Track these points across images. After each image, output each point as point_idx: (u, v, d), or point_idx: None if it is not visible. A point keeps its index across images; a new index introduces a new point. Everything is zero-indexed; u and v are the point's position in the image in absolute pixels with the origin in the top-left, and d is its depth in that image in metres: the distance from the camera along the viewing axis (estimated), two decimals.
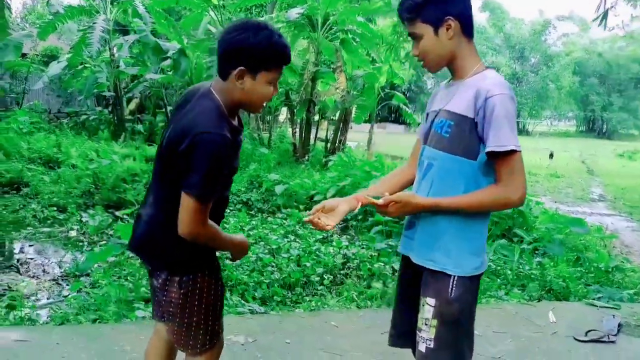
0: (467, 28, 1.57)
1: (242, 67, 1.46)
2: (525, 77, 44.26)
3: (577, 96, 44.64)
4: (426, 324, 1.58)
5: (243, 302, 3.47)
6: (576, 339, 3.06)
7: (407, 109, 13.29)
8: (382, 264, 4.38)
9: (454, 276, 1.56)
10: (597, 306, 3.67)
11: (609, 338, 3.05)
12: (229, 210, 6.29)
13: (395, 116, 36.07)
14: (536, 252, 5.06)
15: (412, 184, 1.76)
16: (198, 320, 1.58)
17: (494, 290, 3.98)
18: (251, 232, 5.16)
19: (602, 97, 43.62)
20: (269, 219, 6.09)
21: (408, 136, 32.33)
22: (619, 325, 3.23)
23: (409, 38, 1.64)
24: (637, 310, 3.70)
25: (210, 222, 1.50)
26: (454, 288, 1.56)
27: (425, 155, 1.67)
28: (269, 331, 2.94)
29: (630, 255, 5.88)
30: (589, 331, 3.14)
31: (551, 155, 18.90)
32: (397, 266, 4.37)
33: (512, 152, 1.47)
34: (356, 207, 1.70)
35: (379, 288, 3.86)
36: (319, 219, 1.63)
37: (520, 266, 4.53)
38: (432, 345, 1.57)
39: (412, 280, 1.71)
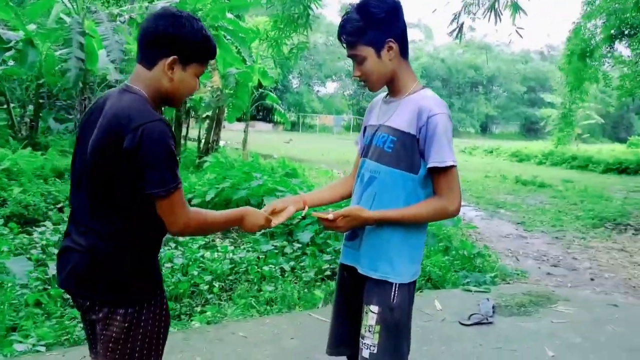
0: (404, 49, 1.66)
1: (175, 56, 1.40)
2: None
3: None
4: (369, 331, 1.64)
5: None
6: (461, 323, 3.41)
7: (280, 109, 13.43)
8: (272, 266, 4.38)
9: (396, 284, 1.64)
10: (472, 291, 4.13)
11: (487, 320, 3.46)
12: None
13: (262, 114, 36.21)
14: None
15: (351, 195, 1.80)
16: (140, 355, 1.43)
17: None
18: None
19: (445, 99, 48.11)
20: None
21: (276, 135, 32.88)
22: (493, 307, 3.67)
23: (350, 59, 1.68)
24: (502, 291, 4.24)
25: (194, 208, 1.43)
26: (395, 295, 1.64)
27: (365, 168, 1.73)
28: (177, 350, 2.76)
29: (483, 241, 6.69)
30: (471, 315, 3.52)
31: None
32: (286, 267, 4.42)
33: (451, 167, 1.59)
34: (303, 209, 1.75)
35: (271, 291, 3.85)
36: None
37: None
38: (375, 350, 1.63)
39: (353, 290, 1.75)
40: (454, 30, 6.81)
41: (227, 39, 10.47)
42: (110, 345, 1.40)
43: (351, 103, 48.96)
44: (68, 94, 12.36)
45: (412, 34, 53.77)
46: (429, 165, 1.59)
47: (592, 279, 5.00)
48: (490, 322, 3.45)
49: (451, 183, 1.61)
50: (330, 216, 1.61)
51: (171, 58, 1.40)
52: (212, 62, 10.76)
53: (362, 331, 1.67)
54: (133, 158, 1.30)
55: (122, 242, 1.39)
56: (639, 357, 3.12)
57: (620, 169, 17.60)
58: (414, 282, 1.72)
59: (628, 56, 12.90)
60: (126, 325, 1.39)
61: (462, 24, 6.69)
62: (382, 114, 1.73)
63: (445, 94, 48.97)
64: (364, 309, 1.68)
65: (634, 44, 10.40)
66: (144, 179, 1.32)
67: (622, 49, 12.69)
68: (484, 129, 54.67)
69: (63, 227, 5.06)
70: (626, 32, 11.69)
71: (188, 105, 11.35)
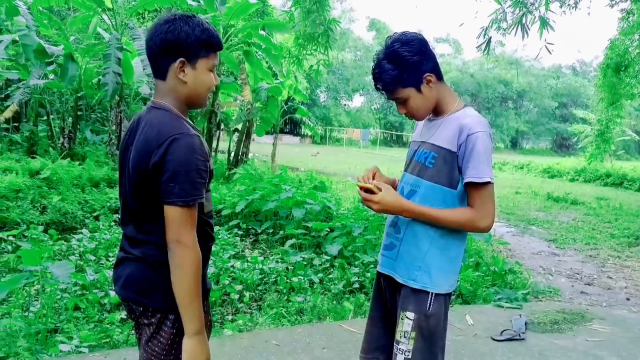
0: (440, 74, 1.74)
1: (181, 59, 1.43)
2: None
3: None
4: (405, 337, 1.68)
5: None
6: (493, 339, 3.38)
7: (309, 123, 13.56)
8: (300, 277, 4.42)
9: (432, 293, 1.69)
10: (503, 307, 4.07)
11: (520, 336, 3.41)
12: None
13: (290, 128, 36.57)
14: None
15: None
16: None
17: None
18: None
19: None
20: None
21: (304, 147, 33.09)
22: (526, 323, 3.61)
23: (391, 101, 1.77)
24: (535, 308, 4.17)
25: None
26: (431, 304, 1.69)
27: (405, 181, 1.80)
28: (212, 356, 2.80)
29: (515, 257, 6.58)
30: (503, 331, 3.48)
31: None
32: (315, 279, 4.45)
33: (487, 183, 1.63)
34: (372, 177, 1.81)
35: (300, 302, 3.89)
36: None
37: None
38: (410, 356, 1.67)
39: (390, 298, 1.81)
40: (481, 44, 6.82)
41: (259, 55, 10.70)
42: (157, 350, 1.45)
43: (378, 117, 48.99)
44: (103, 106, 12.79)
45: (441, 49, 53.76)
46: (466, 180, 1.64)
47: (627, 299, 4.86)
48: (523, 339, 3.40)
49: (485, 199, 1.65)
50: (372, 185, 1.66)
51: (178, 62, 1.43)
52: (242, 77, 11.03)
53: (397, 337, 1.71)
54: (159, 171, 1.36)
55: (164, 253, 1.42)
56: None
57: None
58: (450, 294, 1.75)
59: None
60: (174, 331, 1.44)
61: (490, 38, 6.70)
62: (426, 131, 1.81)
63: (475, 109, 48.49)
64: (399, 315, 1.72)
65: None
66: (164, 189, 1.35)
67: None
68: (514, 144, 53.82)
69: (100, 235, 5.24)
70: None
71: (219, 118, 11.59)
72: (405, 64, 1.66)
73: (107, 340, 3.00)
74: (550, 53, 6.28)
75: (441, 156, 1.68)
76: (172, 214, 1.36)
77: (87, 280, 3.78)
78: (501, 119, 49.61)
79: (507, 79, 48.72)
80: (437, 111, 1.78)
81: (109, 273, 3.91)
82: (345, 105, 48.42)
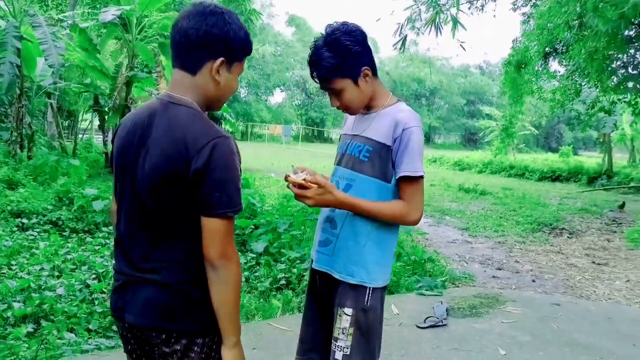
0: (375, 70, 1.73)
1: (222, 58, 1.30)
2: None
3: None
4: (343, 333, 1.67)
5: (80, 338, 3.04)
6: (418, 327, 3.51)
7: (230, 119, 13.27)
8: None
9: (370, 287, 1.68)
10: (425, 295, 4.25)
11: (442, 322, 3.57)
12: (35, 233, 5.45)
13: None
14: None
15: None
16: None
17: None
18: (69, 256, 4.56)
19: None
20: (87, 239, 5.46)
21: None
22: (447, 309, 3.79)
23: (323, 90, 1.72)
24: (454, 294, 4.39)
25: None
26: (369, 298, 1.68)
27: (340, 175, 1.77)
28: None
29: (432, 247, 6.90)
30: (427, 318, 3.62)
31: None
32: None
33: (420, 177, 1.66)
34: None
35: None
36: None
37: None
38: (348, 352, 1.66)
39: (325, 295, 1.78)
40: (397, 42, 7.07)
41: None
42: None
43: (300, 113, 49.20)
44: (0, 101, 11.67)
45: None
46: (401, 174, 1.65)
47: (533, 281, 5.27)
48: (445, 324, 3.56)
49: (417, 193, 1.68)
50: (302, 178, 1.60)
51: (219, 61, 1.30)
52: (158, 69, 10.55)
53: (335, 334, 1.69)
54: (201, 179, 1.21)
55: (198, 271, 1.28)
56: (581, 350, 3.33)
57: (554, 177, 18.70)
58: (385, 287, 1.76)
59: (560, 72, 13.84)
60: (203, 356, 1.33)
61: (405, 36, 6.96)
62: (358, 124, 1.79)
63: (406, 104, 50.23)
64: (337, 311, 1.70)
65: (565, 60, 11.13)
66: (208, 200, 1.22)
67: (555, 65, 13.57)
68: (427, 139, 56.49)
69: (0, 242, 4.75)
70: (558, 49, 12.52)
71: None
72: (346, 54, 1.63)
73: (13, 358, 2.72)
74: (465, 50, 6.65)
75: (376, 150, 1.68)
76: (218, 226, 1.23)
77: None
78: None
79: (421, 77, 50.98)
80: (369, 105, 1.77)
81: (13, 283, 3.56)
82: (266, 100, 48.10)
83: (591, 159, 23.84)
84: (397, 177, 1.67)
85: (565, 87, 12.10)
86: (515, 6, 11.63)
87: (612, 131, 17.94)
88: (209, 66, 1.31)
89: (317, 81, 1.70)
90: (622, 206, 11.24)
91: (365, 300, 1.68)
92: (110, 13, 8.64)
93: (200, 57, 1.30)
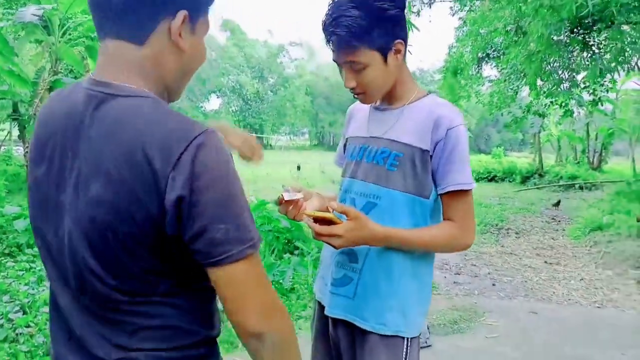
0: (406, 48, 1.34)
1: (185, 11, 0.83)
2: (266, 96, 47.92)
3: (309, 114, 50.63)
4: None
5: None
6: None
7: None
8: None
9: (408, 339, 1.33)
10: None
11: (426, 342, 3.32)
12: None
13: None
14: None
15: None
16: None
17: (300, 311, 3.93)
18: None
19: (329, 115, 50.62)
20: (9, 263, 4.79)
21: None
22: (428, 327, 3.56)
23: (338, 63, 1.32)
24: (431, 310, 4.18)
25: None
26: (407, 353, 1.32)
27: (356, 191, 1.38)
28: None
29: None
30: None
31: (298, 167, 20.66)
32: None
33: (469, 190, 1.33)
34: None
35: None
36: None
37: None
38: None
39: (348, 349, 1.39)
40: None
41: None
42: None
43: (237, 119, 48.31)
44: None
45: (295, 53, 55.13)
46: (450, 188, 1.30)
47: (494, 284, 5.20)
48: (429, 345, 3.33)
49: (469, 210, 1.34)
50: (331, 214, 1.22)
51: (181, 15, 0.83)
52: (87, 74, 9.80)
53: None
54: (190, 211, 0.76)
55: (190, 332, 0.86)
56: None
57: (490, 177, 19.37)
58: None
59: (492, 76, 14.35)
60: None
61: None
62: (377, 123, 1.40)
63: (329, 111, 50.63)
64: None
65: (501, 64, 11.48)
66: (210, 241, 0.77)
67: (488, 69, 14.07)
68: None
69: None
70: (491, 54, 12.94)
71: None
72: (380, 16, 1.22)
73: None
74: (411, 54, 6.57)
75: (408, 156, 1.30)
76: (240, 276, 0.78)
77: None
78: None
79: None
80: (392, 97, 1.39)
81: None
82: (202, 107, 46.89)
83: (520, 159, 25.02)
84: (442, 192, 1.32)
85: (502, 92, 12.50)
86: (453, 11, 11.87)
87: (539, 132, 18.87)
88: (165, 27, 0.83)
89: (334, 48, 1.28)
90: (557, 204, 11.72)
91: (404, 355, 1.31)
92: (28, 13, 7.83)
93: (149, 14, 0.81)
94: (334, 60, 1.32)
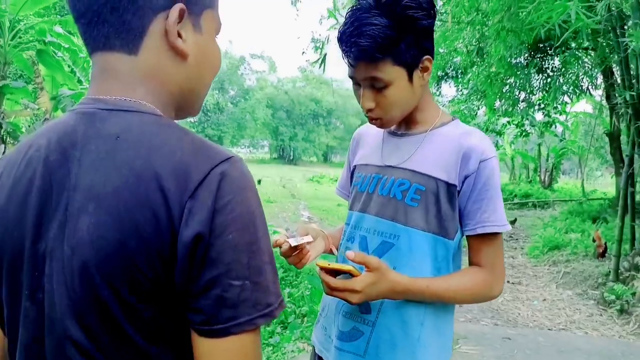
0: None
1: (181, 4, 0.67)
2: (226, 107, 47.37)
3: (270, 127, 50.43)
4: None
5: None
6: None
7: None
8: None
9: None
10: None
11: None
12: None
13: None
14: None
15: None
16: None
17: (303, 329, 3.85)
18: None
19: (289, 129, 50.60)
20: None
21: None
22: None
23: (356, 85, 1.14)
24: None
25: None
26: None
27: (367, 228, 1.19)
28: None
29: None
30: None
31: (259, 182, 20.41)
32: None
33: (501, 232, 1.16)
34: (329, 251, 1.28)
35: None
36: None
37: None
38: None
39: None
40: (317, 60, 6.85)
41: (59, 56, 9.07)
42: None
43: (196, 130, 47.47)
44: None
45: (256, 65, 54.93)
46: (482, 231, 1.12)
47: (460, 306, 5.17)
48: None
49: (501, 255, 1.17)
50: (353, 268, 1.03)
51: (176, 9, 0.66)
52: (38, 80, 9.25)
53: None
54: (205, 256, 0.59)
55: None
56: None
57: None
58: None
59: (453, 95, 14.70)
60: None
61: (325, 55, 6.75)
62: (392, 150, 1.21)
63: (289, 124, 50.62)
64: None
65: (461, 84, 11.74)
66: (224, 293, 0.60)
67: (446, 88, 14.40)
68: (326, 158, 57.75)
69: None
70: (450, 74, 13.25)
71: (4, 129, 9.46)
72: (412, 27, 1.05)
73: None
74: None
75: (430, 190, 1.13)
76: (239, 351, 0.60)
77: None
78: (314, 134, 52.71)
79: (318, 97, 52.07)
80: (412, 122, 1.21)
81: None
82: None
83: None
84: (471, 234, 1.14)
85: (461, 111, 12.78)
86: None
87: None
88: (160, 27, 0.67)
89: (352, 62, 1.09)
90: (513, 222, 11.99)
91: None
92: None
93: (135, 12, 0.65)
94: (350, 77, 1.15)
